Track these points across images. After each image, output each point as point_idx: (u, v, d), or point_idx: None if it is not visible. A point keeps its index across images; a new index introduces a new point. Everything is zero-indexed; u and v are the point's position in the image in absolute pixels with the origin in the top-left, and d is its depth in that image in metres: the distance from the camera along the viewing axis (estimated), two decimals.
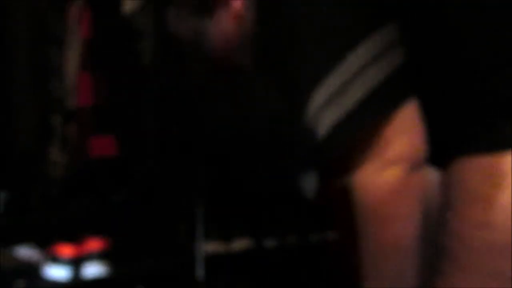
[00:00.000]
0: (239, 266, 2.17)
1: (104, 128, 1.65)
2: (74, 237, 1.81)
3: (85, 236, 1.80)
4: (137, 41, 1.74)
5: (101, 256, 1.74)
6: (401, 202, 0.65)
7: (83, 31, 1.65)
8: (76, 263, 1.73)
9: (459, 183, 0.67)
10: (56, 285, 1.68)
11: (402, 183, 0.64)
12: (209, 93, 1.86)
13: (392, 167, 0.63)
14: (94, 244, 1.74)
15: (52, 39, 1.63)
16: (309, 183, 2.04)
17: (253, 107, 1.88)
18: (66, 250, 1.70)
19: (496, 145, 0.64)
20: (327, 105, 0.64)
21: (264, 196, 2.00)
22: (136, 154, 1.71)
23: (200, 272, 1.97)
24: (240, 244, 2.03)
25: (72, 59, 1.65)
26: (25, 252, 1.76)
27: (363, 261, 0.69)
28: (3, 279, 1.66)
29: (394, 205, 0.65)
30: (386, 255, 0.67)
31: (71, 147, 1.64)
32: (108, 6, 1.70)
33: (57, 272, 1.68)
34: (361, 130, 0.64)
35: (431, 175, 0.69)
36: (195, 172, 1.82)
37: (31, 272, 1.69)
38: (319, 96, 0.64)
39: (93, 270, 1.72)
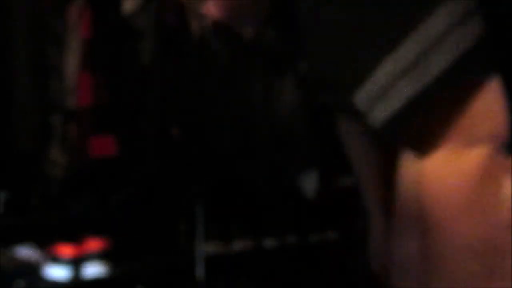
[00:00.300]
0: (239, 266, 2.17)
1: (104, 128, 1.65)
2: (74, 237, 1.81)
3: (85, 236, 1.80)
4: (137, 41, 1.74)
5: (101, 256, 1.74)
6: (487, 189, 0.56)
7: (83, 31, 1.65)
8: (76, 263, 1.73)
9: None
10: (56, 285, 1.68)
11: (490, 166, 0.55)
12: (209, 93, 1.86)
13: (478, 145, 0.55)
14: (94, 244, 1.74)
15: (52, 39, 1.63)
16: (309, 183, 2.04)
17: (253, 107, 1.88)
18: (66, 250, 1.70)
19: None
20: (403, 75, 0.56)
21: (264, 196, 2.00)
22: (136, 154, 1.71)
23: (200, 272, 1.97)
24: (240, 244, 2.03)
25: (72, 59, 1.65)
26: (25, 252, 1.76)
27: (416, 265, 0.59)
28: (3, 279, 1.66)
29: (479, 191, 0.55)
30: (464, 254, 0.57)
31: (71, 147, 1.64)
32: (108, 6, 1.70)
33: (57, 272, 1.68)
34: (443, 102, 0.55)
35: None
36: (195, 172, 1.82)
37: (31, 272, 1.69)
38: (391, 64, 0.56)
39: (93, 270, 1.72)
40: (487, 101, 0.56)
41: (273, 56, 1.87)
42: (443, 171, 0.56)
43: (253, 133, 1.87)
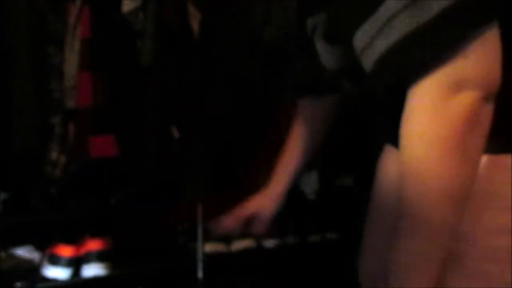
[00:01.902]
0: (239, 266, 2.17)
1: (104, 128, 1.65)
2: (74, 237, 1.81)
3: (85, 236, 1.80)
4: (137, 41, 1.74)
5: (101, 256, 1.74)
6: (470, 135, 0.56)
7: (83, 31, 1.65)
8: (76, 263, 1.73)
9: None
10: (56, 285, 1.68)
11: (476, 112, 0.55)
12: (209, 92, 1.86)
13: (467, 90, 0.55)
14: (94, 244, 1.74)
15: (52, 39, 1.63)
16: (309, 183, 2.04)
17: (253, 106, 1.88)
18: (66, 250, 1.70)
19: None
20: (403, 11, 0.56)
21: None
22: (136, 154, 1.71)
23: (200, 272, 1.97)
24: (240, 244, 2.03)
25: (72, 59, 1.65)
26: (25, 252, 1.76)
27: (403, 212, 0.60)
28: (3, 279, 1.66)
29: (462, 136, 0.55)
30: (441, 200, 0.57)
31: (71, 147, 1.64)
32: (107, 6, 1.69)
33: (57, 272, 1.67)
34: (440, 41, 0.55)
35: None
36: (195, 172, 1.82)
37: (31, 272, 1.69)
38: (392, 2, 0.56)
39: (93, 270, 1.72)
40: (484, 48, 0.56)
41: (273, 55, 1.87)
42: (429, 113, 0.56)
43: (253, 133, 1.87)
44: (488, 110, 0.57)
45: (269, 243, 2.08)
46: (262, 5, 1.83)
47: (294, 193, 2.05)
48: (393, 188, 0.81)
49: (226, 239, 2.03)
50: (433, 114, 0.56)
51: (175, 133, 1.79)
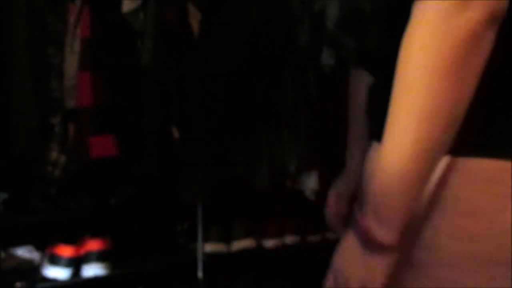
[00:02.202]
0: (239, 266, 2.17)
1: (104, 128, 1.65)
2: (74, 237, 1.81)
3: (85, 236, 1.80)
4: (137, 41, 1.74)
5: (101, 256, 1.74)
6: (473, 58, 0.56)
7: (83, 31, 1.65)
8: (76, 263, 1.73)
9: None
10: (56, 285, 1.68)
11: (479, 35, 0.55)
12: (209, 92, 1.86)
13: (471, 10, 0.54)
14: (94, 244, 1.74)
15: (52, 39, 1.63)
16: (309, 183, 2.04)
17: (253, 106, 1.88)
18: (66, 250, 1.70)
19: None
20: None
21: (264, 195, 2.00)
22: (136, 154, 1.71)
23: (200, 272, 1.97)
24: (240, 244, 2.03)
25: (72, 59, 1.65)
26: (25, 252, 1.76)
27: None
28: (3, 279, 1.66)
29: (465, 55, 0.55)
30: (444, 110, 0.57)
31: (71, 147, 1.64)
32: (107, 6, 1.69)
33: (57, 272, 1.68)
34: None
35: None
36: (195, 172, 1.82)
37: (31, 272, 1.69)
38: None
39: (93, 270, 1.72)
40: None
41: (273, 55, 1.87)
42: (433, 27, 0.56)
43: (253, 133, 1.87)
44: (490, 36, 0.56)
45: (269, 243, 2.08)
46: (262, 5, 1.83)
47: (294, 193, 2.07)
48: None
49: (226, 239, 2.04)
50: (437, 28, 0.55)
51: (175, 133, 1.79)
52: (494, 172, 0.60)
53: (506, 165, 0.60)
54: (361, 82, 0.98)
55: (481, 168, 0.60)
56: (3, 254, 1.73)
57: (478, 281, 0.60)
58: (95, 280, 1.73)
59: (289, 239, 2.13)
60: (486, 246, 0.60)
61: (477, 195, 0.60)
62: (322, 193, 2.09)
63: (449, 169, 0.61)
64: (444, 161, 0.60)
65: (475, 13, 0.55)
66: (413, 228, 0.62)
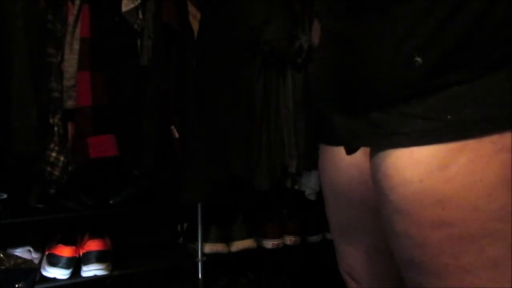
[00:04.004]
0: (239, 266, 2.17)
1: (104, 128, 1.65)
2: (74, 237, 1.81)
3: (85, 236, 1.80)
4: (137, 41, 1.74)
5: (101, 256, 1.74)
6: None
7: (83, 31, 1.65)
8: (75, 263, 1.73)
9: None
10: (55, 286, 1.68)
11: None
12: (208, 92, 1.86)
13: None
14: (94, 244, 1.74)
15: (52, 39, 1.63)
16: (309, 183, 2.04)
17: (253, 107, 1.88)
18: (66, 250, 1.70)
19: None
20: None
21: (265, 196, 1.99)
22: (136, 154, 1.71)
23: (200, 272, 1.97)
24: (240, 244, 2.03)
25: (71, 59, 1.65)
26: (25, 252, 1.76)
27: None
28: (3, 279, 1.66)
29: None
30: None
31: (71, 147, 1.64)
32: (107, 5, 1.69)
33: (57, 272, 1.67)
34: None
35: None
36: (195, 172, 1.82)
37: (31, 272, 1.69)
38: None
39: (93, 270, 1.72)
40: None
41: (273, 55, 1.87)
42: None
43: (253, 132, 1.87)
44: None
45: (269, 243, 2.08)
46: (262, 5, 1.83)
47: (294, 193, 2.07)
48: (342, 184, 0.86)
49: (226, 239, 2.04)
50: None
51: (175, 133, 1.79)
52: None
53: None
54: None
55: None
56: (2, 254, 1.73)
57: None
58: (95, 280, 1.73)
59: (289, 239, 2.12)
60: None
61: None
62: (322, 193, 2.09)
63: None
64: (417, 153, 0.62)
65: None
66: None
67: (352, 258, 0.91)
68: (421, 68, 0.60)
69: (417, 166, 0.62)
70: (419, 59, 0.60)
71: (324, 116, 0.82)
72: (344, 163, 0.85)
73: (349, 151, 0.77)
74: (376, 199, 0.69)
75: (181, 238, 2.18)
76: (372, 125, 0.66)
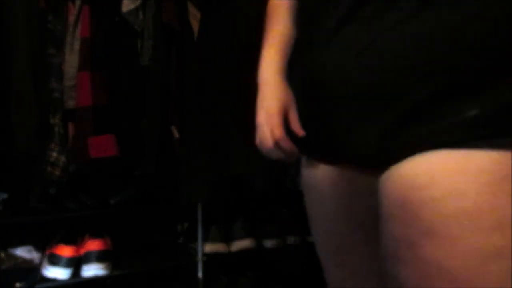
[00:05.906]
0: (239, 266, 2.17)
1: (104, 128, 1.65)
2: (74, 237, 1.81)
3: (85, 236, 1.80)
4: (137, 41, 1.74)
5: (101, 256, 1.74)
6: None
7: (83, 31, 1.65)
8: (76, 263, 1.73)
9: None
10: (55, 285, 1.68)
11: None
12: (208, 92, 1.86)
13: None
14: (94, 244, 1.74)
15: (52, 39, 1.63)
16: None
17: (253, 107, 1.88)
18: (66, 250, 1.70)
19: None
20: None
21: (264, 196, 2.00)
22: (136, 154, 1.71)
23: (200, 272, 1.97)
24: (240, 244, 2.03)
25: (71, 59, 1.65)
26: (25, 252, 1.76)
27: None
28: (3, 279, 1.66)
29: None
30: None
31: (71, 147, 1.64)
32: (107, 5, 1.69)
33: (57, 272, 1.68)
34: None
35: None
36: (195, 172, 1.82)
37: (31, 272, 1.69)
38: None
39: (93, 270, 1.72)
40: None
41: None
42: None
43: (253, 132, 1.87)
44: None
45: (269, 243, 2.09)
46: (261, 5, 1.83)
47: (294, 193, 2.06)
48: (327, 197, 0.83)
49: (226, 239, 2.04)
50: None
51: (175, 133, 1.79)
52: None
53: None
54: None
55: None
56: (3, 254, 1.73)
57: None
58: (95, 280, 1.73)
59: (289, 239, 2.13)
60: None
61: None
62: None
63: None
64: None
65: None
66: None
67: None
68: None
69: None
70: None
71: (327, 128, 0.75)
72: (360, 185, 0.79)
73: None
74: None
75: (181, 238, 2.18)
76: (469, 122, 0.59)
